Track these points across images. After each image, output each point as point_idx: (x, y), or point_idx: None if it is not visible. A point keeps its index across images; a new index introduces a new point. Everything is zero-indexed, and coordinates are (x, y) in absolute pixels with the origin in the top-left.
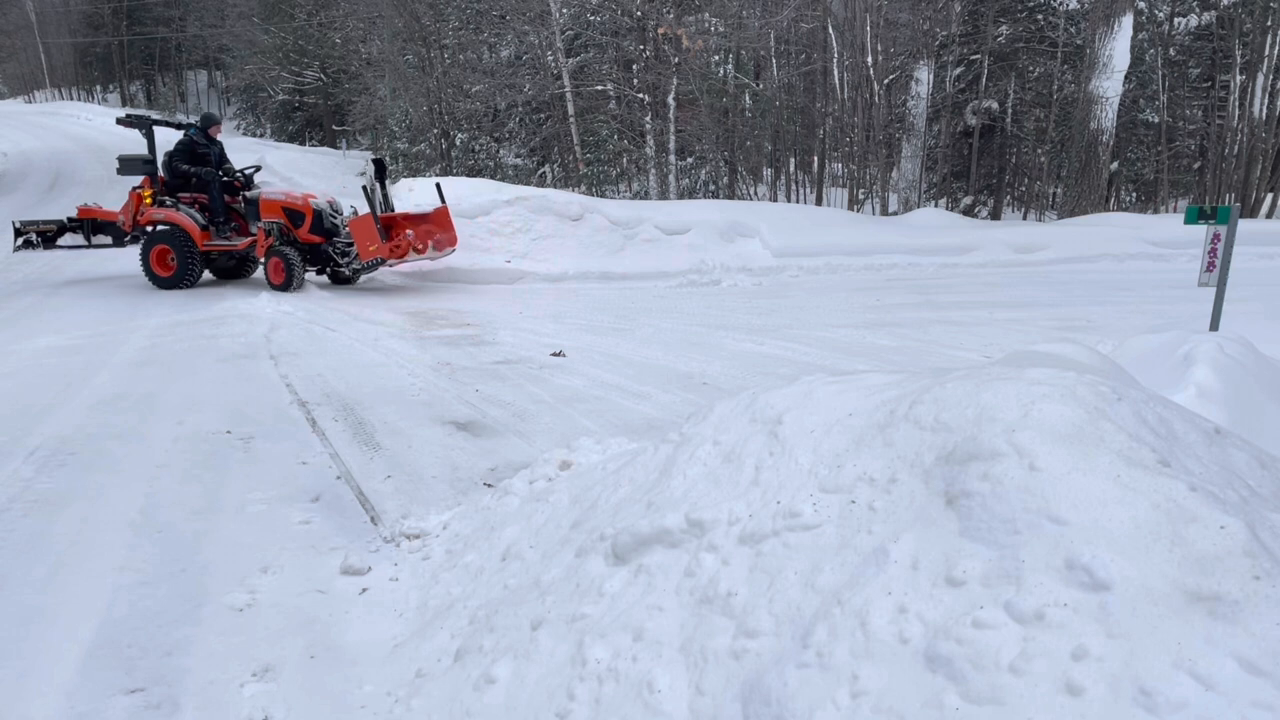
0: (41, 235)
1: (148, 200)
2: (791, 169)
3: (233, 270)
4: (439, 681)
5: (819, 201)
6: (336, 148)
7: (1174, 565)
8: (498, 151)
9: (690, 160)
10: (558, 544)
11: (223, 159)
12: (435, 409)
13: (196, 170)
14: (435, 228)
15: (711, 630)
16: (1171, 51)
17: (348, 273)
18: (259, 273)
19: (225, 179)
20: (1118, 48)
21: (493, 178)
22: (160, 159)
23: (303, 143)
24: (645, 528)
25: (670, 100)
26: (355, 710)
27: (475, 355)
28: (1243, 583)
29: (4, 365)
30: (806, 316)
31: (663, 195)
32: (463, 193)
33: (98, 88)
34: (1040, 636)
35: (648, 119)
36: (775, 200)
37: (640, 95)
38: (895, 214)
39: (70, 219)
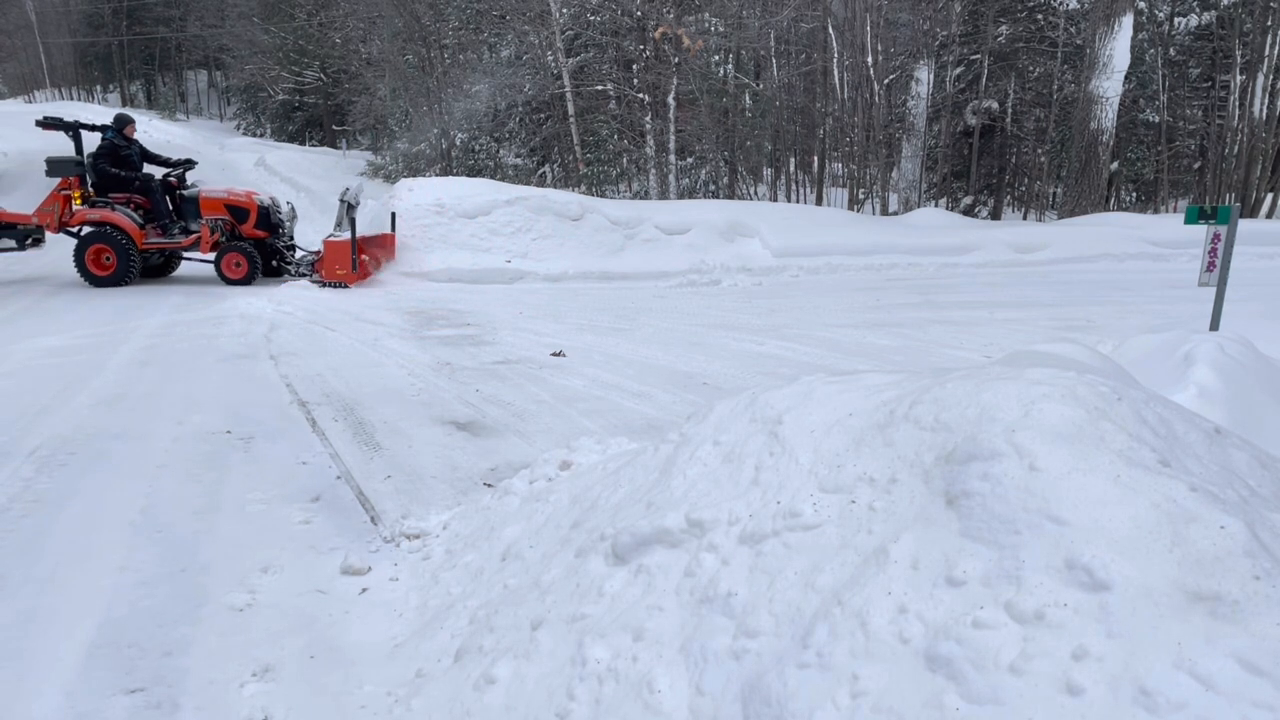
0: None
1: (77, 201)
2: (791, 169)
3: (159, 268)
4: (439, 681)
5: (819, 201)
6: (336, 148)
7: (1174, 565)
8: (498, 151)
9: (690, 160)
10: (558, 544)
11: (145, 156)
12: (435, 409)
13: (130, 175)
14: (380, 251)
15: (711, 630)
16: (1171, 51)
17: (292, 272)
18: (181, 269)
19: (160, 179)
20: (1118, 48)
21: (493, 178)
22: (87, 160)
23: (303, 143)
24: (645, 528)
25: (670, 100)
26: (355, 710)
27: (475, 355)
28: (1243, 583)
29: (4, 365)
30: (806, 316)
31: (663, 195)
32: (463, 193)
33: (98, 88)
34: (1040, 636)
35: (648, 119)
36: (775, 200)
37: (640, 95)
38: (895, 214)
39: None
